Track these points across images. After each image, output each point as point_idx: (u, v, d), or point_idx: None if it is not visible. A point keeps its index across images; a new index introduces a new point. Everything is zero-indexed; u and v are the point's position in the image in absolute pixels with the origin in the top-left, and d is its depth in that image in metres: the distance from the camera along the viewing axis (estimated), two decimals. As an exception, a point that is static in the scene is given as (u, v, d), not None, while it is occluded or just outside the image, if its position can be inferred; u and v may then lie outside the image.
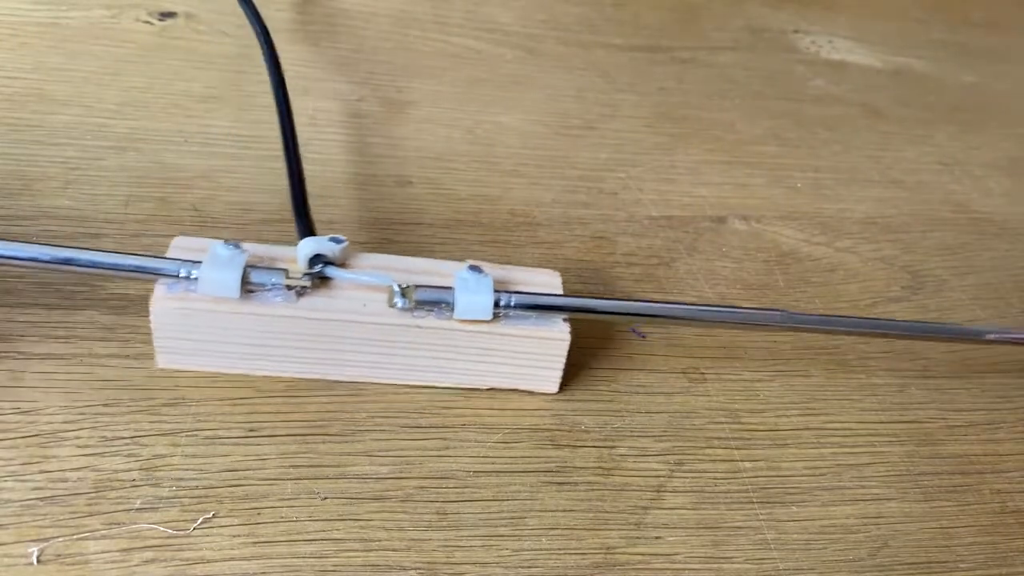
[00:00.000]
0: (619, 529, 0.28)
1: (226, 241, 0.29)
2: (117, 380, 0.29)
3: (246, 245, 0.30)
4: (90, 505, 0.26)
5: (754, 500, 0.30)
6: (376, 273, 0.30)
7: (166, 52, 0.44)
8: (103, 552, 0.25)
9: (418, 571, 0.26)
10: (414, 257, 0.31)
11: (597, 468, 0.30)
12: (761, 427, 0.32)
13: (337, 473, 0.28)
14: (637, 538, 0.28)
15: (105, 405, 0.28)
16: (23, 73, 0.41)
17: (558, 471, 0.30)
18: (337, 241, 0.30)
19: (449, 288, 0.29)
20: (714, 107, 0.50)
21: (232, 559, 0.25)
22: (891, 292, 0.40)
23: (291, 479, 0.27)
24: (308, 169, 0.39)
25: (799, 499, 0.30)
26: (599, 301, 0.32)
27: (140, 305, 0.32)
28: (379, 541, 0.26)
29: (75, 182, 0.36)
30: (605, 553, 0.28)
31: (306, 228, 0.32)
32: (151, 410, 0.28)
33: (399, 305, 0.29)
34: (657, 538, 0.28)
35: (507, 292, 0.30)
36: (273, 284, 0.29)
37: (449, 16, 0.52)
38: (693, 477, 0.30)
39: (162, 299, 0.28)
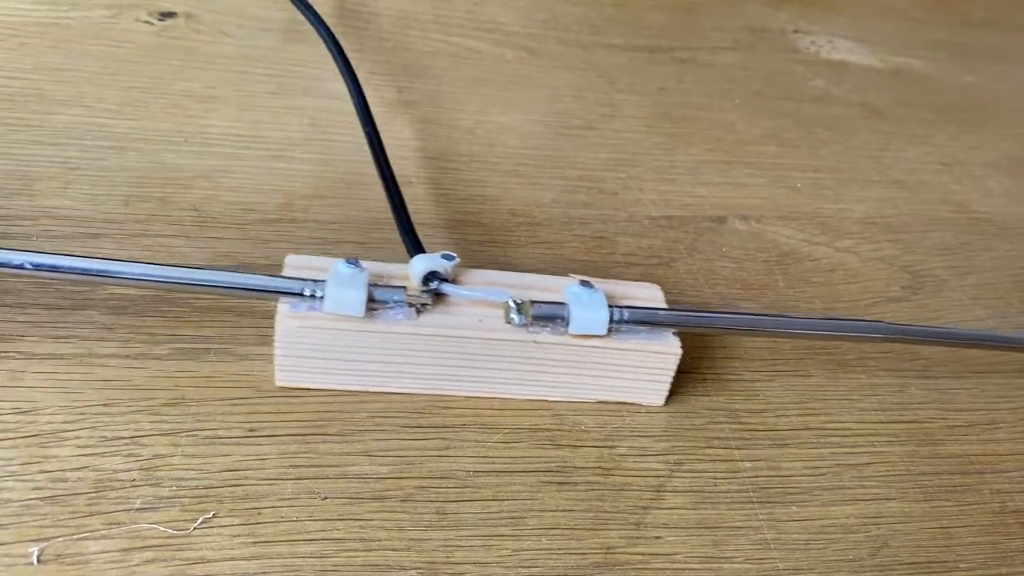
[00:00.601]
0: (619, 529, 0.28)
1: (346, 260, 0.30)
2: (117, 380, 0.29)
3: (364, 263, 0.30)
4: (90, 505, 0.26)
5: (754, 500, 0.30)
6: (491, 289, 0.30)
7: (166, 52, 0.44)
8: (103, 552, 0.25)
9: (418, 571, 0.26)
10: (519, 272, 0.32)
11: (597, 468, 0.30)
12: (761, 427, 0.32)
13: (337, 473, 0.28)
14: (637, 538, 0.28)
15: (105, 405, 0.28)
16: (23, 73, 0.41)
17: (558, 471, 0.30)
18: (448, 258, 0.30)
19: (563, 303, 0.30)
20: (714, 107, 0.50)
21: (232, 559, 0.25)
22: (891, 292, 0.40)
23: (291, 479, 0.27)
24: (308, 169, 0.39)
25: (799, 499, 0.30)
26: (710, 315, 0.33)
27: (140, 305, 0.32)
28: (379, 541, 0.26)
29: (75, 182, 0.36)
30: (605, 553, 0.28)
31: (415, 246, 0.32)
32: (151, 410, 0.28)
33: (515, 321, 0.29)
34: (657, 538, 0.28)
35: (619, 307, 0.30)
36: (395, 301, 0.29)
37: (449, 16, 0.52)
38: (693, 477, 0.30)
39: (287, 318, 0.29)
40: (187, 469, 0.27)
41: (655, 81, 0.51)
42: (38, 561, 0.24)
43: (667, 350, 0.31)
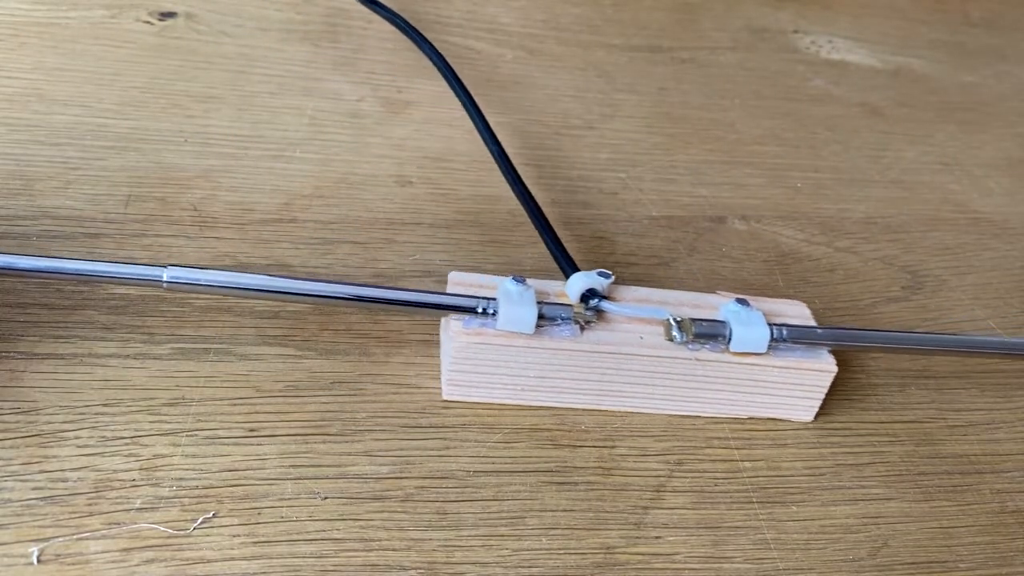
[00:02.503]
0: (619, 529, 0.28)
1: (513, 277, 0.30)
2: (117, 380, 0.29)
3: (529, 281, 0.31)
4: (90, 505, 0.26)
5: (754, 500, 0.30)
6: (652, 307, 0.31)
7: (166, 52, 0.44)
8: (103, 552, 0.25)
9: (418, 571, 0.26)
10: (668, 289, 0.33)
11: (597, 468, 0.30)
12: (761, 427, 0.32)
13: (337, 473, 0.28)
14: (637, 538, 0.28)
15: (105, 405, 0.28)
16: (23, 73, 0.41)
17: (558, 471, 0.30)
18: (604, 276, 0.31)
19: (723, 321, 0.30)
20: (714, 107, 0.50)
21: (232, 559, 0.25)
22: (891, 292, 0.40)
23: (291, 479, 0.28)
24: (307, 169, 0.39)
25: (799, 499, 0.30)
26: (866, 332, 0.34)
27: (139, 305, 0.32)
28: (379, 541, 0.27)
29: (75, 182, 0.36)
30: (605, 553, 0.28)
31: (570, 264, 0.32)
32: (151, 410, 0.28)
33: (677, 339, 0.30)
34: (657, 538, 0.28)
35: (777, 325, 0.31)
36: (562, 319, 0.30)
37: (449, 16, 0.52)
38: (693, 477, 0.30)
39: (461, 334, 0.29)
40: (187, 469, 0.27)
41: (655, 81, 0.51)
42: (38, 561, 0.24)
43: (824, 368, 0.31)
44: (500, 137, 0.44)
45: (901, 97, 0.54)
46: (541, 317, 0.29)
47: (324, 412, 0.30)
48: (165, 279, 0.28)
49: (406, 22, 0.46)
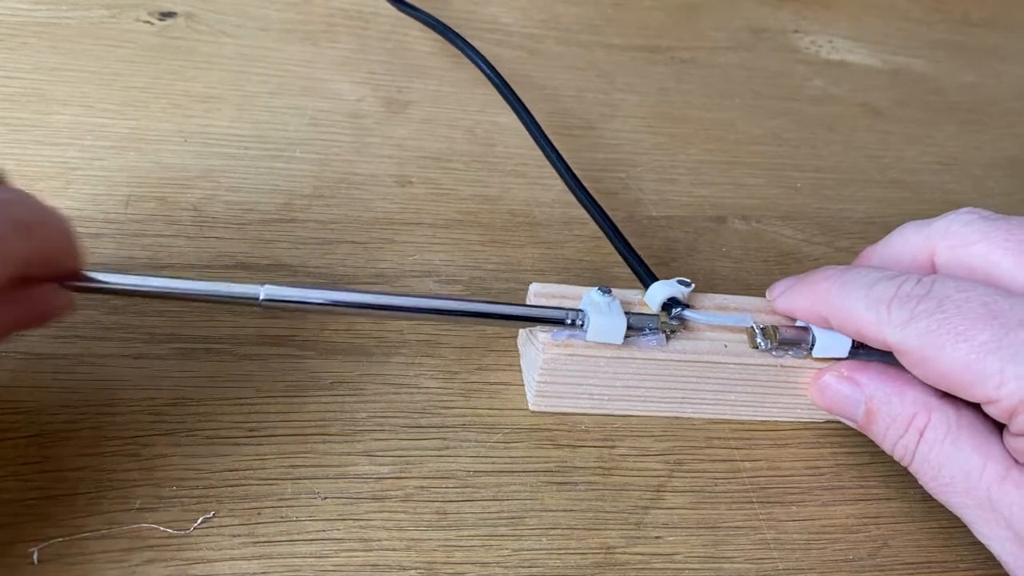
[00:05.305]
0: (619, 529, 0.28)
1: (599, 288, 0.30)
2: (117, 380, 0.29)
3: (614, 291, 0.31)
4: (90, 505, 0.26)
5: (754, 500, 0.30)
6: (735, 315, 0.31)
7: (166, 52, 0.44)
8: (103, 552, 0.25)
9: (418, 571, 0.26)
10: (745, 296, 0.32)
11: (597, 468, 0.30)
12: (761, 427, 0.32)
13: (337, 473, 0.28)
14: (637, 538, 0.28)
15: (105, 405, 0.28)
16: (23, 73, 0.41)
17: (558, 471, 0.30)
18: (684, 284, 0.31)
19: (806, 328, 0.30)
20: (714, 107, 0.50)
21: (232, 559, 0.25)
22: (891, 292, 0.40)
23: (291, 479, 0.28)
24: (308, 169, 0.39)
25: (799, 499, 0.30)
26: None
27: (140, 305, 0.32)
28: (379, 541, 0.27)
29: (75, 182, 0.36)
30: (605, 553, 0.28)
31: (648, 273, 0.32)
32: (151, 410, 0.28)
33: (762, 346, 0.30)
34: (657, 538, 0.28)
35: None
36: (650, 328, 0.30)
37: (449, 16, 0.52)
38: (693, 477, 0.30)
39: (551, 346, 0.29)
40: (187, 469, 0.27)
41: (655, 81, 0.51)
42: (38, 561, 0.24)
43: None
44: (500, 138, 0.44)
45: (901, 97, 0.54)
46: (629, 327, 0.29)
47: (324, 412, 0.30)
48: (262, 297, 0.28)
49: (442, 23, 0.46)
